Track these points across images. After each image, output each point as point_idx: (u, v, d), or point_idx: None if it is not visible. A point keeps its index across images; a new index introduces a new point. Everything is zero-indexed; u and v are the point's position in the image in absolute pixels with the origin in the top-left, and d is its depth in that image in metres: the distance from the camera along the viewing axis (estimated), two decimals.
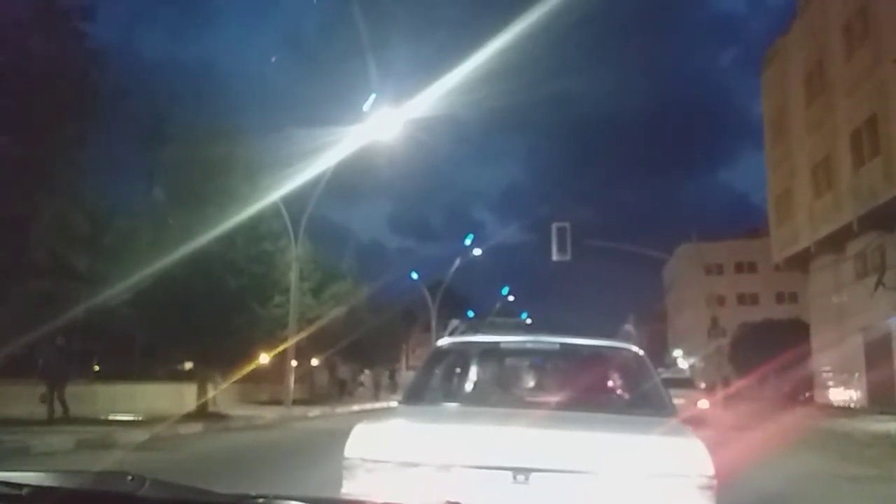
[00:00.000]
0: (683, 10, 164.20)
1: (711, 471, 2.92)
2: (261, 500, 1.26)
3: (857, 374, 25.80)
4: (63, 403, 13.93)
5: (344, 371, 36.97)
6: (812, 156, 27.55)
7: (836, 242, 25.90)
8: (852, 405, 25.49)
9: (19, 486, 1.26)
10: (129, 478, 1.29)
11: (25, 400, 14.25)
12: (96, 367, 20.37)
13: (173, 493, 1.27)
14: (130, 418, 15.46)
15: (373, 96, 18.77)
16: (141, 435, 12.91)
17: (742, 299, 58.07)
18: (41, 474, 1.33)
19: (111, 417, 15.45)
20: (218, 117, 18.84)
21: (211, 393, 18.37)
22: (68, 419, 13.66)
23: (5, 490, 1.26)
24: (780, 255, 31.76)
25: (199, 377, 18.81)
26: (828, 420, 19.91)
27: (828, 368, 28.82)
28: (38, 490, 1.26)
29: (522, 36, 15.97)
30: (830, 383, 28.72)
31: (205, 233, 15.65)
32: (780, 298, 53.92)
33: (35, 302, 16.96)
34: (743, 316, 45.70)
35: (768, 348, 34.55)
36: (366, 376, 39.85)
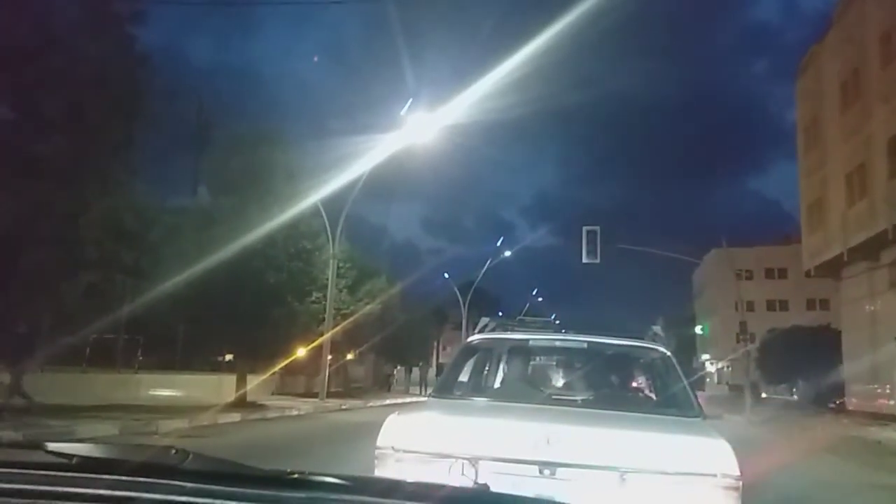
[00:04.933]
0: (719, 19, 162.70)
1: (737, 471, 2.93)
2: (296, 476, 1.29)
3: (889, 383, 25.58)
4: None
5: (388, 367, 38.63)
6: (846, 163, 27.30)
7: (869, 250, 25.65)
8: (884, 414, 25.30)
9: (69, 455, 1.35)
10: (174, 451, 1.34)
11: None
12: (140, 357, 21.02)
13: (214, 466, 1.32)
14: (171, 394, 15.31)
15: (410, 101, 19.12)
16: (181, 423, 13.42)
17: (771, 305, 57.59)
18: (90, 446, 1.39)
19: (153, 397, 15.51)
20: (261, 122, 19.39)
21: (250, 385, 18.87)
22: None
23: (57, 459, 1.35)
24: (811, 262, 31.48)
25: (239, 369, 19.33)
26: (858, 428, 19.80)
27: (859, 376, 28.56)
28: (86, 459, 1.34)
29: (556, 43, 16.18)
30: (862, 391, 28.46)
31: (247, 230, 16.16)
32: (810, 305, 53.32)
33: (84, 293, 17.56)
34: (772, 322, 45.33)
35: (797, 354, 34.38)
36: (398, 371, 41.20)
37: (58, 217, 15.97)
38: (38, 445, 1.38)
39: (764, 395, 40.03)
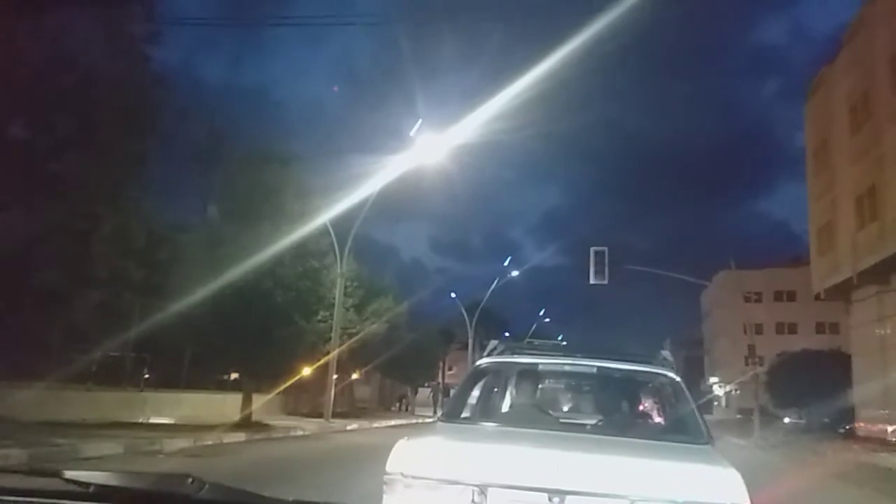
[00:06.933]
0: (727, 41, 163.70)
1: (747, 501, 2.89)
2: None
3: None
4: None
5: (403, 388, 39.09)
6: (856, 186, 27.22)
7: (880, 274, 25.48)
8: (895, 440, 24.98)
9: (87, 484, 1.35)
10: (190, 480, 1.33)
11: None
12: (146, 375, 21.03)
13: (231, 496, 1.33)
14: (176, 413, 15.34)
15: (419, 122, 19.23)
16: (185, 442, 13.27)
17: (780, 328, 57.20)
18: (107, 474, 1.40)
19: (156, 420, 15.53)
20: (272, 141, 19.54)
21: (256, 404, 18.80)
22: None
23: (74, 488, 1.35)
24: (820, 285, 31.29)
25: (245, 388, 19.26)
26: (869, 454, 19.57)
27: (869, 401, 28.25)
28: (104, 488, 1.34)
29: (565, 64, 16.23)
30: (872, 416, 28.14)
31: (255, 249, 16.23)
32: (819, 328, 52.97)
33: (94, 311, 17.61)
34: (781, 345, 44.94)
35: (806, 378, 34.05)
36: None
37: (69, 234, 16.07)
38: (54, 473, 1.38)
39: (787, 419, 39.40)
